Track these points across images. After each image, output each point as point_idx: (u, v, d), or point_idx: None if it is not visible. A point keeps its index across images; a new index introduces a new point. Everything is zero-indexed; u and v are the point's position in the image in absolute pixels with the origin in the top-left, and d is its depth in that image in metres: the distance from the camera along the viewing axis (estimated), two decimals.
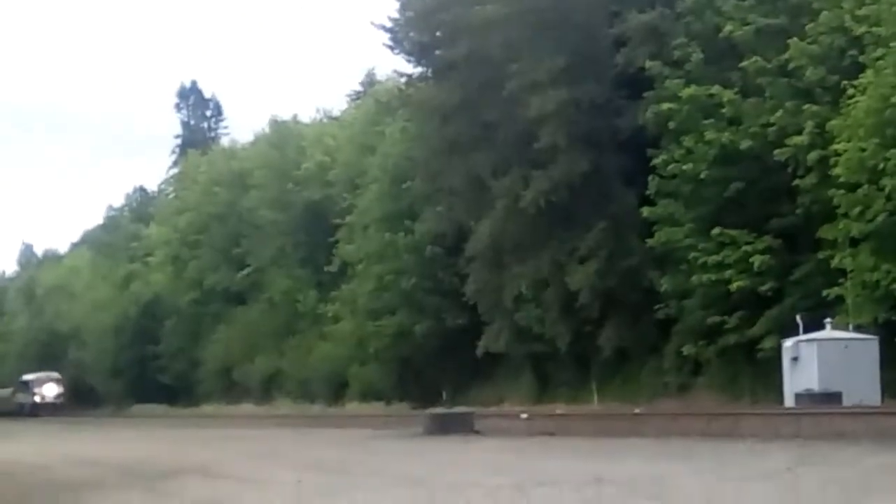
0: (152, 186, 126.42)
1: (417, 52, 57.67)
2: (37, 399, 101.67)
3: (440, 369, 60.61)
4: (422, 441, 31.62)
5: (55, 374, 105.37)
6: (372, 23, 57.70)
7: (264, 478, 20.28)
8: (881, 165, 35.03)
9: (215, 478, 21.18)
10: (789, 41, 39.55)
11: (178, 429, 50.07)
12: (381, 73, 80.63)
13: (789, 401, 34.13)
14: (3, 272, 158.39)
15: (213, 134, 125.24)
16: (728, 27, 41.83)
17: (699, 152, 41.74)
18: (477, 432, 33.03)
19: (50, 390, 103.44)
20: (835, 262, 36.92)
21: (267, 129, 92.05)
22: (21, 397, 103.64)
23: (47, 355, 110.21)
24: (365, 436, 35.61)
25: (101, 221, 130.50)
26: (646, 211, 44.08)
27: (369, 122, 72.95)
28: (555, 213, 48.73)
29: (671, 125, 43.02)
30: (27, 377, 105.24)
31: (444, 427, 33.32)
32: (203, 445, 34.27)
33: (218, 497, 17.09)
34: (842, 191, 36.49)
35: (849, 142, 36.04)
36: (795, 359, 34.55)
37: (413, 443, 31.07)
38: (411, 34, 57.05)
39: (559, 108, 47.02)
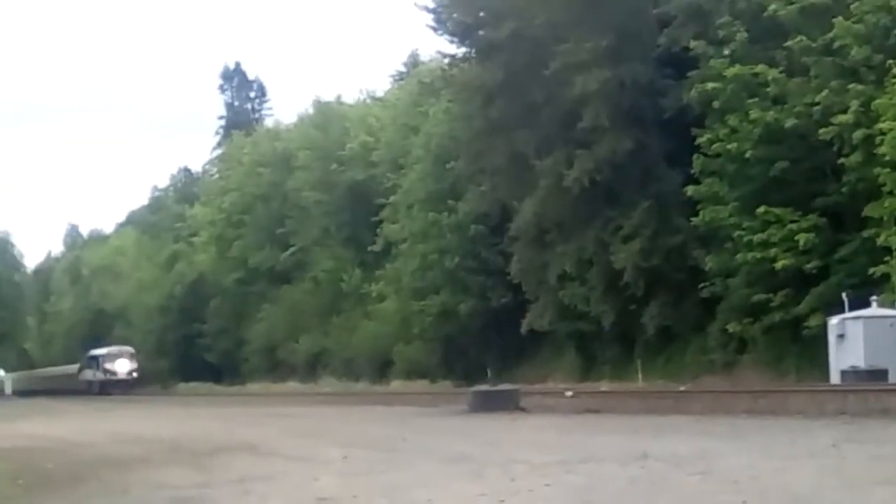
0: (197, 167, 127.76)
1: (461, 33, 57.68)
2: (108, 376, 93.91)
3: (484, 347, 60.86)
4: (467, 418, 31.64)
5: (128, 349, 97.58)
6: (415, 4, 57.82)
7: (311, 455, 20.40)
8: None
9: (262, 455, 21.33)
10: (834, 20, 39.42)
11: (224, 407, 50.33)
12: (425, 54, 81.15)
13: (835, 378, 34.13)
14: (50, 252, 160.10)
15: (256, 115, 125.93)
16: (772, 6, 41.70)
17: (744, 131, 41.66)
18: (522, 409, 33.02)
19: (122, 366, 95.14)
20: (880, 240, 36.87)
21: (311, 110, 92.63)
22: (89, 374, 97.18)
23: (94, 335, 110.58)
24: (410, 413, 35.65)
25: (146, 202, 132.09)
26: (690, 190, 44.06)
27: (413, 102, 73.25)
28: (599, 192, 48.80)
29: (715, 104, 42.95)
30: (96, 352, 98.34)
31: (489, 404, 33.31)
32: (249, 423, 34.42)
33: (265, 473, 17.24)
34: (887, 169, 36.42)
35: (894, 120, 35.93)
36: (841, 336, 34.57)
37: (458, 420, 31.10)
38: (455, 15, 57.08)
39: (603, 88, 47.04)
